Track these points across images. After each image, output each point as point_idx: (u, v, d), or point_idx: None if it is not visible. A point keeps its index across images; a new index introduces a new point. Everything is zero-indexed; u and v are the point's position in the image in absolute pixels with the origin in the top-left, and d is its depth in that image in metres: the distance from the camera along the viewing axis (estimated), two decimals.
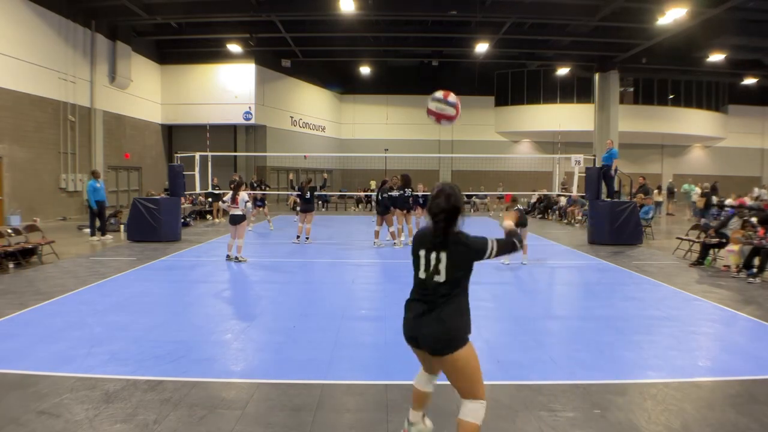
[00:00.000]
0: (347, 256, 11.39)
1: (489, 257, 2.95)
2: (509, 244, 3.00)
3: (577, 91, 29.80)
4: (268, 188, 22.98)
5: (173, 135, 26.73)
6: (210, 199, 19.21)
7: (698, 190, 21.67)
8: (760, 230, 9.03)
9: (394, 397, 4.00)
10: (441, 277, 2.82)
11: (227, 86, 25.49)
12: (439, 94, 4.42)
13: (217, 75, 25.69)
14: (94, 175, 13.21)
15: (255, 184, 20.16)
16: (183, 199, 15.51)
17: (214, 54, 24.68)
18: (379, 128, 32.14)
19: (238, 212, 10.05)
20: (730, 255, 9.45)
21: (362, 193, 26.67)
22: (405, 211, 12.55)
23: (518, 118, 31.74)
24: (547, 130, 29.50)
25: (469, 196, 25.81)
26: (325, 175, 25.70)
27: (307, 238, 12.86)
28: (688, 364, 4.83)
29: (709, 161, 32.92)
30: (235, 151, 25.77)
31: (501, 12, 18.88)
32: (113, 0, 18.34)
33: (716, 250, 10.27)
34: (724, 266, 9.60)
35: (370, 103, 32.54)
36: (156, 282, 8.42)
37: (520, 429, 3.57)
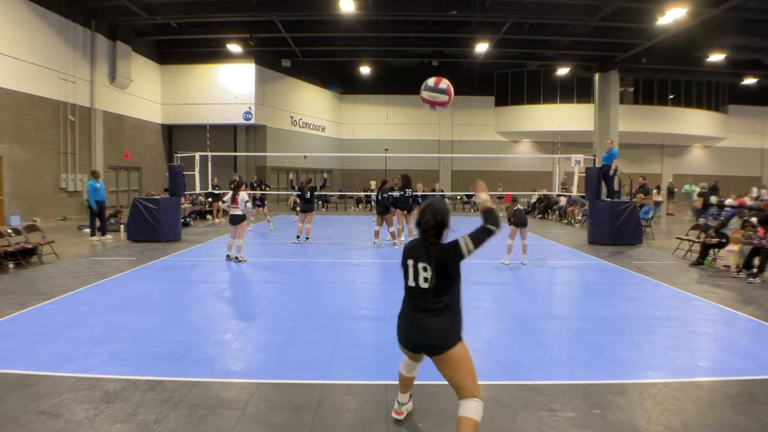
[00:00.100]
0: (347, 256, 11.39)
1: (470, 253, 3.05)
2: (483, 233, 3.07)
3: (577, 91, 29.80)
4: (268, 188, 22.99)
5: (173, 135, 26.73)
6: (210, 199, 19.21)
7: (698, 190, 21.69)
8: (760, 230, 9.03)
9: (394, 396, 3.99)
10: (430, 285, 3.02)
11: (227, 86, 25.49)
12: (431, 81, 4.48)
13: (217, 75, 25.69)
14: (94, 175, 13.20)
15: (255, 184, 20.16)
16: (183, 199, 15.51)
17: (214, 54, 24.68)
18: (379, 128, 32.14)
19: (238, 212, 10.05)
20: (730, 255, 9.45)
21: (362, 193, 26.66)
22: (405, 212, 12.54)
23: (518, 118, 31.73)
24: (547, 130, 29.50)
25: (469, 196, 25.81)
26: (325, 175, 25.70)
27: (307, 238, 12.86)
28: (688, 364, 4.83)
29: (709, 161, 32.91)
30: (235, 151, 25.77)
31: (501, 12, 18.88)
32: (113, 0, 18.34)
33: (716, 250, 10.27)
34: (724, 266, 9.60)
35: (370, 103, 32.54)
36: (156, 282, 8.42)
37: (520, 429, 3.57)
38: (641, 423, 3.63)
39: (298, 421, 3.63)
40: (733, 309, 6.90)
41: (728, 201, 20.58)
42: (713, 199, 20.69)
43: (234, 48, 22.89)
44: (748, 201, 20.56)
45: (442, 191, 19.09)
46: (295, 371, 4.54)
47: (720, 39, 20.42)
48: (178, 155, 17.12)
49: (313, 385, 4.23)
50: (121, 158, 22.03)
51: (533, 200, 22.90)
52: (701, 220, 15.01)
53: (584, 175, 14.47)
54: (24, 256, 9.48)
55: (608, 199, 13.74)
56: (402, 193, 12.36)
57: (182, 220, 14.59)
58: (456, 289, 3.12)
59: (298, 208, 15.30)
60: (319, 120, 30.98)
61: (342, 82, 31.77)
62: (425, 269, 3.03)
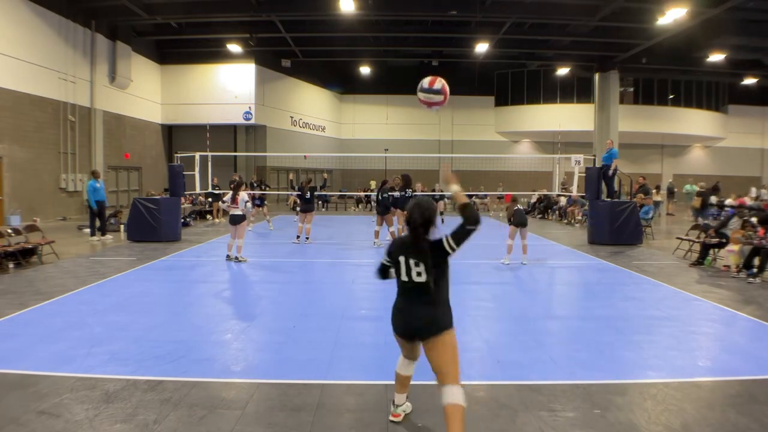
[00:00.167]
0: (347, 256, 11.39)
1: (454, 251, 3.22)
2: (465, 232, 3.21)
3: (577, 91, 29.80)
4: (268, 188, 22.99)
5: (173, 135, 26.73)
6: (210, 199, 19.21)
7: (698, 189, 21.68)
8: (760, 230, 9.03)
9: (394, 397, 4.00)
10: (422, 279, 3.20)
11: (227, 86, 25.49)
12: (426, 83, 4.53)
13: (217, 75, 25.69)
14: (94, 175, 13.20)
15: (255, 184, 20.16)
16: (183, 199, 15.51)
17: (214, 54, 24.67)
18: (379, 128, 32.14)
19: (238, 212, 10.05)
20: (730, 255, 9.45)
21: (362, 193, 26.66)
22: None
23: (518, 118, 31.73)
24: (547, 130, 29.49)
25: (469, 196, 25.78)
26: (325, 175, 25.71)
27: (307, 238, 12.86)
28: (688, 364, 4.83)
29: (709, 161, 32.91)
30: (235, 151, 25.77)
31: (501, 12, 18.88)
32: (113, 0, 18.34)
33: (716, 250, 10.27)
34: (724, 266, 9.60)
35: (370, 103, 32.54)
36: (156, 282, 8.42)
37: (520, 429, 3.57)
38: (641, 423, 3.63)
39: (298, 421, 3.63)
40: (733, 309, 6.90)
41: (728, 201, 20.58)
42: (713, 199, 20.68)
43: (234, 48, 22.89)
44: (748, 201, 20.55)
45: (441, 191, 19.07)
46: (295, 371, 4.54)
47: (720, 39, 20.42)
48: (178, 155, 17.12)
49: (313, 385, 4.23)
50: (121, 158, 22.03)
51: (533, 200, 22.90)
52: (701, 220, 15.00)
53: (584, 175, 14.47)
54: (24, 256, 9.48)
55: (608, 199, 13.74)
56: (402, 193, 12.35)
57: (182, 220, 14.59)
58: (446, 281, 3.29)
59: (298, 208, 15.30)
60: (319, 120, 30.98)
61: (342, 82, 31.76)
62: (417, 264, 3.19)
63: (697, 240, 10.94)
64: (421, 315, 3.22)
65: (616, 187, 15.03)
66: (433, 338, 3.19)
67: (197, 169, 15.62)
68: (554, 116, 29.57)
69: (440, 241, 3.22)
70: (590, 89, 27.52)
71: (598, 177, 13.46)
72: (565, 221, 19.06)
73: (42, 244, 9.99)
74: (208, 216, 19.18)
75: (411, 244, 3.24)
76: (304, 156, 25.93)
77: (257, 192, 17.81)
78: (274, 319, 6.32)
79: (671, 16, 16.90)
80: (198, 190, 16.44)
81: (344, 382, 4.33)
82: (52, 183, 17.93)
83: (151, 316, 6.28)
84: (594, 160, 15.94)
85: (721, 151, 32.77)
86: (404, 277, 3.27)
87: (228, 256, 10.21)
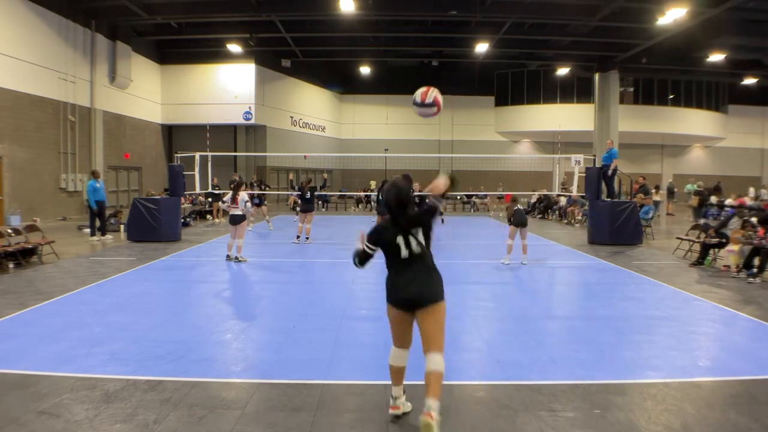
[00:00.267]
0: (347, 256, 11.33)
1: (431, 223, 3.61)
2: (434, 208, 3.62)
3: (577, 91, 29.80)
4: (267, 188, 22.99)
5: (173, 135, 26.73)
6: (210, 199, 19.21)
7: (695, 188, 21.69)
8: (760, 230, 9.03)
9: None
10: (418, 249, 3.51)
11: (227, 86, 25.49)
12: (418, 97, 4.57)
13: (217, 75, 25.69)
14: (94, 175, 13.21)
15: (254, 184, 20.16)
16: (183, 199, 15.51)
17: (214, 54, 24.68)
18: (379, 128, 32.14)
19: (238, 212, 10.05)
20: (730, 255, 9.45)
21: (362, 193, 26.67)
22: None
23: (518, 118, 31.73)
24: (547, 130, 29.49)
25: (469, 196, 25.82)
26: (325, 175, 25.72)
27: (307, 238, 12.86)
28: (688, 364, 4.83)
29: (709, 161, 32.92)
30: (235, 151, 25.77)
31: (501, 12, 18.88)
32: (113, 0, 18.34)
33: (716, 250, 10.27)
34: (724, 266, 9.60)
35: (370, 103, 32.53)
36: (156, 282, 8.42)
37: (520, 429, 3.56)
38: (641, 423, 3.63)
39: (298, 421, 3.63)
40: (733, 309, 6.89)
41: (728, 201, 20.58)
42: (713, 199, 20.68)
43: (234, 48, 22.89)
44: (748, 201, 20.56)
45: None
46: (295, 371, 4.54)
47: (720, 39, 20.42)
48: (178, 155, 17.13)
49: (313, 385, 4.22)
50: (121, 158, 22.03)
51: (533, 200, 22.91)
52: (701, 220, 15.00)
53: (584, 175, 14.47)
54: (24, 256, 9.48)
55: (608, 199, 13.74)
56: None
57: (182, 220, 14.59)
58: (430, 246, 3.61)
59: (298, 208, 15.29)
60: (319, 120, 30.98)
61: (342, 82, 31.76)
62: (415, 236, 3.50)
63: (697, 240, 10.94)
64: (424, 283, 3.47)
65: (615, 187, 15.03)
66: (432, 306, 3.45)
67: (197, 169, 15.62)
68: (554, 116, 29.57)
69: (418, 212, 3.59)
70: (590, 89, 27.52)
71: (598, 177, 13.46)
72: (565, 221, 19.06)
73: (42, 244, 9.99)
74: (208, 216, 19.18)
75: (399, 223, 3.50)
76: (304, 156, 25.93)
77: (256, 191, 17.80)
78: (274, 319, 6.32)
79: (671, 16, 16.91)
80: (198, 190, 16.45)
81: (344, 382, 4.33)
82: (52, 183, 17.93)
83: (151, 316, 6.28)
84: (594, 160, 15.95)
85: (721, 151, 32.78)
86: (404, 254, 3.49)
87: (228, 256, 10.22)
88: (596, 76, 26.08)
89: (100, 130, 20.26)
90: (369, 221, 17.61)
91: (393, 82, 31.19)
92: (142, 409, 3.75)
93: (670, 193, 24.66)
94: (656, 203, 19.55)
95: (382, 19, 21.10)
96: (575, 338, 5.67)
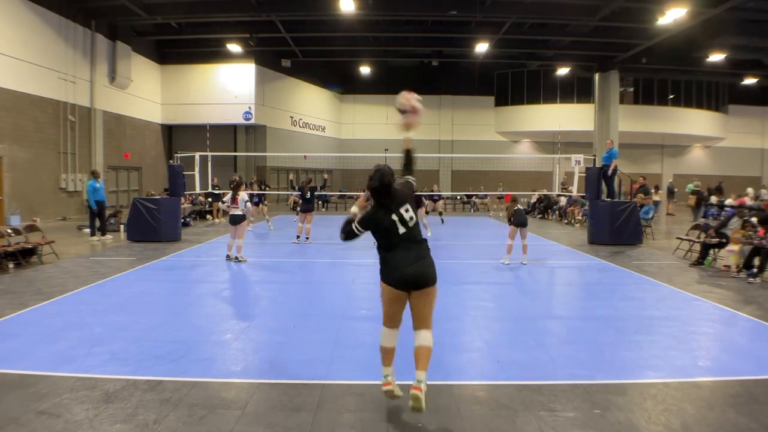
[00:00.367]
0: (347, 256, 11.38)
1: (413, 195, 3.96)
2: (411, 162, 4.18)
3: (577, 91, 29.79)
4: (267, 188, 22.98)
5: (173, 135, 26.73)
6: (210, 199, 19.21)
7: (693, 188, 21.67)
8: (760, 230, 9.03)
9: (394, 396, 3.99)
10: (412, 222, 3.74)
11: (227, 86, 25.49)
12: (398, 104, 4.49)
13: (217, 75, 25.69)
14: (94, 175, 13.21)
15: (254, 184, 20.16)
16: (183, 199, 15.51)
17: (214, 54, 24.67)
18: (379, 128, 32.08)
19: (238, 212, 10.05)
20: (730, 255, 9.44)
21: (362, 193, 26.60)
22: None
23: (518, 118, 31.72)
24: (547, 130, 29.49)
25: (469, 196, 25.82)
26: (325, 175, 25.66)
27: (307, 238, 12.87)
28: (688, 364, 4.83)
29: (709, 161, 32.91)
30: (235, 151, 25.76)
31: (501, 12, 18.88)
32: (113, 0, 18.34)
33: (716, 250, 10.27)
34: (724, 266, 9.59)
35: (370, 103, 32.50)
36: (156, 282, 8.42)
37: (520, 429, 3.56)
38: (641, 423, 3.63)
39: (298, 421, 3.63)
40: (733, 309, 6.89)
41: (728, 201, 20.58)
42: (713, 199, 20.68)
43: (234, 48, 22.89)
44: (748, 201, 20.55)
45: (439, 191, 19.10)
46: (295, 371, 4.54)
47: (720, 39, 20.42)
48: (178, 155, 17.11)
49: (313, 385, 4.22)
50: (121, 158, 22.03)
51: (533, 200, 22.91)
52: (700, 220, 14.99)
53: (584, 175, 14.47)
54: (24, 256, 9.48)
55: (608, 199, 13.75)
56: None
57: (182, 220, 14.59)
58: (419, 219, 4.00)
59: (298, 208, 15.29)
60: (319, 120, 30.97)
61: (342, 82, 31.74)
62: (407, 211, 3.73)
63: (697, 240, 10.94)
64: (424, 265, 3.66)
65: (615, 187, 15.03)
66: (428, 288, 3.66)
67: (197, 169, 15.62)
68: (554, 116, 29.56)
69: (405, 180, 3.93)
70: (590, 89, 27.51)
71: (598, 177, 13.46)
72: (565, 221, 19.06)
73: (42, 244, 9.99)
74: (208, 216, 19.18)
75: (386, 204, 3.72)
76: (304, 156, 25.93)
77: (256, 191, 17.81)
78: (274, 319, 6.32)
79: (671, 16, 16.90)
80: (198, 190, 16.45)
81: (344, 382, 4.33)
82: (52, 183, 17.93)
83: (151, 316, 6.28)
84: (594, 160, 15.93)
85: (721, 151, 32.78)
86: (401, 230, 3.68)
87: (228, 256, 10.21)
88: (596, 76, 26.08)
89: (100, 130, 20.26)
90: None
91: (393, 82, 30.99)
92: (142, 409, 3.75)
93: (670, 193, 24.66)
94: (656, 203, 19.55)
95: (382, 19, 21.10)
96: (575, 338, 5.66)
